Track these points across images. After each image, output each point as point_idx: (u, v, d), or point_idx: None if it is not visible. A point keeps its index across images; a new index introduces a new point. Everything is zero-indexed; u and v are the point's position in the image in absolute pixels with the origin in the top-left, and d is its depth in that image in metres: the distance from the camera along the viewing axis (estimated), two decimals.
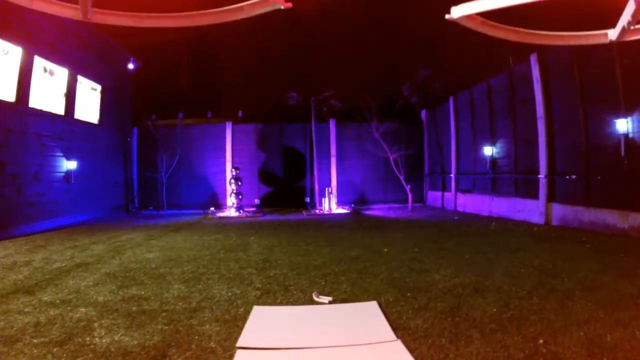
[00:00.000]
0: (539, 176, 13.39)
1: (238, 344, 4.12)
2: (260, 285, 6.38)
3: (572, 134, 12.41)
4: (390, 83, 20.76)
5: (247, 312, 5.09)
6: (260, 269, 7.45)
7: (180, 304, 5.52)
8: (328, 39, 19.62)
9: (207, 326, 4.67)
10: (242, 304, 5.45)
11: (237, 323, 4.73)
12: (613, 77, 10.69)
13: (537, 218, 13.44)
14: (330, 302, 5.50)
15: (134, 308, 5.33)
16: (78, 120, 16.80)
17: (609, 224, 10.83)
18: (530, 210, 13.83)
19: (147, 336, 4.38)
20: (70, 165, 15.80)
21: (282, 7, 4.18)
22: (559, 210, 12.80)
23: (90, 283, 6.59)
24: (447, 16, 4.46)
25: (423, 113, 21.72)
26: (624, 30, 4.54)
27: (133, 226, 14.47)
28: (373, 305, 5.27)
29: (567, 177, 12.50)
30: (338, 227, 13.79)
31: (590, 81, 11.70)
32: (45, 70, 14.88)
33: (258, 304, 5.49)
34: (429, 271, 7.07)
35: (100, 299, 5.71)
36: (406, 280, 6.49)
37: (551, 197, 13.14)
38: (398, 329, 4.40)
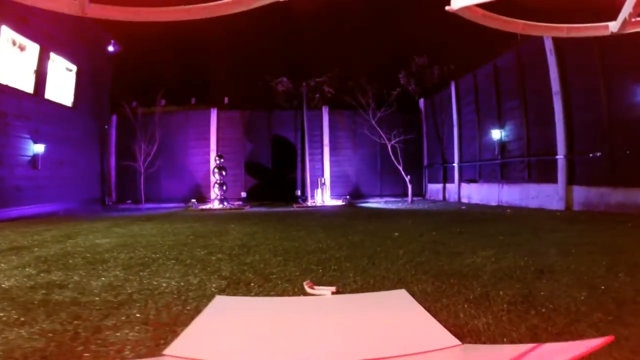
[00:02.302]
0: (557, 157, 11.66)
1: (166, 351, 2.36)
2: (228, 274, 4.36)
3: (592, 108, 10.79)
4: (387, 70, 18.83)
5: (198, 311, 3.10)
6: (234, 255, 5.42)
7: (104, 295, 3.57)
8: (321, 22, 17.75)
9: (125, 330, 2.68)
10: (194, 297, 3.43)
11: (175, 327, 2.74)
12: (637, 45, 9.02)
13: (556, 204, 11.65)
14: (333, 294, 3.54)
15: (38, 297, 3.51)
16: (49, 101, 14.77)
17: None
18: (548, 195, 12.01)
19: (21, 341, 2.51)
20: (38, 148, 13.74)
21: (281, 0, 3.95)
22: (581, 194, 11.07)
23: (11, 267, 4.85)
24: (447, 8, 4.16)
25: (421, 102, 19.86)
26: (625, 22, 4.27)
27: (103, 217, 12.37)
28: (402, 294, 3.48)
29: (591, 155, 10.78)
30: (333, 216, 11.81)
31: (610, 49, 10.01)
32: (14, 44, 12.91)
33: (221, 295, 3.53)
34: (463, 254, 5.21)
35: (6, 284, 4.03)
36: (438, 264, 4.61)
37: (571, 180, 11.42)
38: (460, 333, 2.52)
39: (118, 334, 2.62)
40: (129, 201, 17.92)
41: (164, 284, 3.87)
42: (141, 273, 4.39)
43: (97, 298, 3.46)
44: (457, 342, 2.39)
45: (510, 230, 7.55)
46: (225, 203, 16.12)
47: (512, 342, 2.38)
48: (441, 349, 2.35)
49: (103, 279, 4.17)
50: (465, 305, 3.08)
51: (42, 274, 4.40)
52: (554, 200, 11.81)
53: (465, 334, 2.52)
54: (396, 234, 7.26)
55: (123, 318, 2.92)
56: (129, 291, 3.66)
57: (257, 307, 3.27)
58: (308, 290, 3.61)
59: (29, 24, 13.27)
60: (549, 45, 11.91)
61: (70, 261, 5.15)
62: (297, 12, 17.53)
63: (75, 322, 2.86)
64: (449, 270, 4.29)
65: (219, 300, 3.37)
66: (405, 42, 19.15)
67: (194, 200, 16.63)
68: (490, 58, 14.86)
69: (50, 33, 14.42)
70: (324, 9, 17.82)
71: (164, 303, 3.27)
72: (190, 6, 4.76)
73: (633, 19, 4.67)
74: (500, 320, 2.74)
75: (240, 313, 3.12)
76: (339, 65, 18.54)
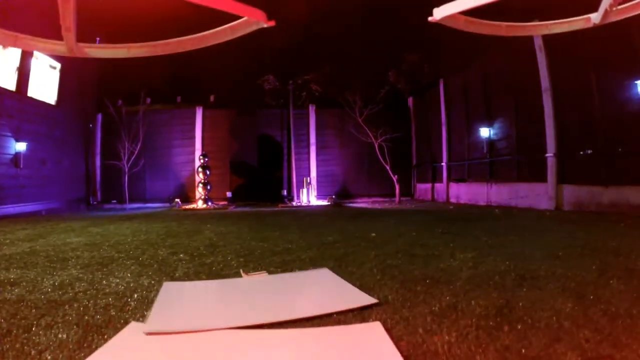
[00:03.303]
0: (547, 155, 11.62)
1: (146, 329, 2.78)
2: (181, 274, 4.39)
3: (583, 105, 10.73)
4: (376, 68, 18.76)
5: (135, 314, 3.13)
6: (196, 256, 5.42)
7: (51, 294, 3.62)
8: (308, 20, 17.73)
9: (55, 331, 2.71)
10: (136, 300, 3.43)
11: (105, 330, 2.75)
12: (629, 38, 9.09)
13: (545, 203, 11.64)
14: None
15: None
16: (32, 99, 14.72)
17: (634, 203, 9.08)
18: (537, 195, 12.02)
19: None
20: (20, 147, 13.73)
21: (266, 26, 4.10)
22: (571, 193, 11.05)
23: None
24: (429, 19, 4.23)
25: (410, 100, 19.89)
26: (606, 13, 4.33)
27: (84, 217, 12.37)
28: (325, 272, 4.37)
29: (582, 152, 10.75)
30: (315, 215, 11.84)
31: (600, 45, 9.97)
32: None
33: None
34: (440, 257, 5.03)
35: None
36: (409, 269, 4.40)
37: (562, 179, 11.36)
38: (413, 354, 2.26)
39: (47, 334, 2.64)
40: (114, 201, 17.90)
41: (113, 285, 3.89)
42: (96, 272, 4.41)
43: (42, 297, 3.49)
44: (373, 300, 3.24)
45: (496, 230, 7.37)
46: (210, 203, 16.13)
47: None
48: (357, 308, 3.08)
49: (57, 277, 4.20)
50: (428, 319, 2.78)
51: (0, 271, 4.46)
52: (543, 199, 11.79)
53: (418, 355, 2.23)
54: (373, 234, 7.25)
55: (59, 318, 2.94)
56: (76, 290, 3.68)
57: (203, 288, 3.92)
58: (244, 275, 4.25)
59: (11, 20, 13.19)
60: (538, 42, 11.87)
61: (33, 260, 5.18)
62: (284, 10, 17.57)
63: (12, 320, 2.90)
64: (420, 276, 4.03)
65: (169, 286, 3.86)
66: (395, 40, 19.13)
67: (177, 200, 16.63)
68: (480, 56, 14.88)
69: (33, 30, 14.36)
70: (311, 7, 17.86)
71: (104, 304, 3.27)
72: (179, 39, 4.90)
73: (614, 9, 4.65)
74: (465, 339, 2.41)
75: (190, 293, 3.76)
76: (327, 63, 18.50)
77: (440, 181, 17.20)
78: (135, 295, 3.55)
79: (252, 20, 4.37)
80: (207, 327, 2.81)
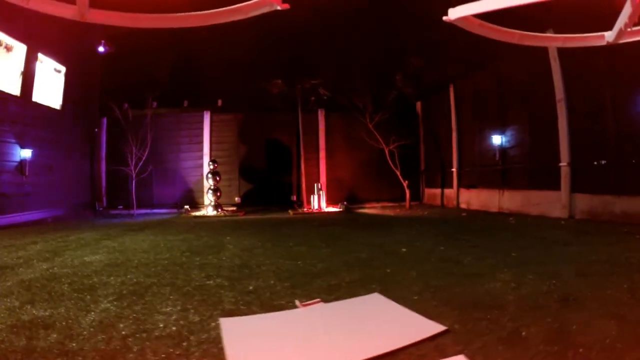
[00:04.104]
0: (561, 164, 11.37)
1: None
2: (232, 307, 3.97)
3: (598, 115, 10.50)
4: (383, 72, 18.33)
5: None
6: (235, 280, 5.01)
7: (94, 340, 3.13)
8: (315, 22, 17.27)
9: None
10: (197, 343, 3.04)
11: None
12: None
13: (558, 212, 11.38)
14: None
15: (21, 344, 3.02)
16: (36, 104, 14.15)
17: None
18: (550, 203, 11.74)
19: None
20: (25, 154, 13.17)
21: (279, 8, 4.01)
22: (584, 202, 10.81)
23: None
24: (444, 18, 4.23)
25: (418, 105, 19.52)
26: (621, 32, 4.34)
27: (93, 226, 11.86)
28: (378, 298, 4.15)
29: (596, 162, 10.50)
30: (332, 225, 11.43)
31: (617, 56, 9.63)
32: (0, 44, 12.38)
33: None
34: (481, 276, 4.88)
35: None
36: (456, 292, 4.26)
37: (575, 188, 11.13)
38: None
39: None
40: (120, 207, 17.35)
41: (161, 324, 3.45)
42: (134, 306, 3.97)
43: (87, 345, 3.04)
44: (443, 327, 3.16)
45: (521, 243, 7.24)
46: (219, 210, 15.66)
47: None
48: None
49: (93, 314, 3.75)
50: (500, 347, 2.77)
51: (25, 308, 3.95)
52: (556, 207, 11.53)
53: None
54: (404, 249, 6.91)
55: None
56: (123, 334, 3.25)
57: (265, 324, 3.55)
58: (299, 306, 3.93)
59: (16, 23, 12.67)
60: (552, 53, 11.60)
61: (56, 288, 4.70)
62: (291, 13, 17.06)
63: None
64: (471, 300, 3.93)
65: (228, 324, 3.45)
66: (403, 44, 18.70)
67: (187, 207, 16.14)
68: (492, 61, 14.50)
69: (38, 33, 13.80)
70: (319, 11, 17.36)
71: (165, 352, 2.87)
72: (189, 13, 4.64)
73: (629, 29, 4.63)
74: None
75: (255, 331, 3.37)
76: (335, 67, 18.06)
77: (450, 187, 16.86)
78: (193, 338, 3.12)
79: (267, 1, 4.26)
80: None
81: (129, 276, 5.28)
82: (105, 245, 8.00)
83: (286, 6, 4.20)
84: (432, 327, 3.21)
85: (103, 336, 3.20)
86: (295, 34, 16.19)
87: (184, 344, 3.02)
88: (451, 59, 16.78)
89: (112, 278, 5.17)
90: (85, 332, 3.28)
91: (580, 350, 2.68)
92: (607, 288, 4.12)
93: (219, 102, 18.45)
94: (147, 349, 2.95)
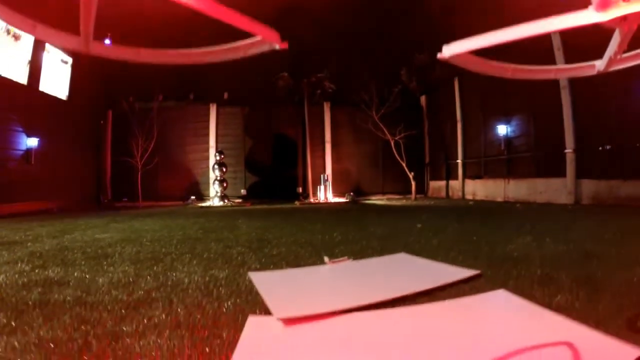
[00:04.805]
0: (566, 151, 11.22)
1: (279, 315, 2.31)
2: (257, 265, 3.72)
3: (601, 100, 10.38)
4: (388, 66, 18.07)
5: (238, 311, 2.44)
6: (256, 249, 4.72)
7: (115, 293, 2.86)
8: (322, 17, 17.04)
9: (153, 337, 2.00)
10: (228, 294, 2.76)
11: (218, 331, 2.07)
12: None
13: (564, 198, 11.27)
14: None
15: (33, 297, 2.78)
16: (43, 93, 13.95)
17: None
18: (556, 190, 11.58)
19: (13, 354, 1.84)
20: (31, 142, 12.90)
21: (278, 48, 3.52)
22: (590, 188, 10.72)
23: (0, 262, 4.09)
24: (438, 55, 3.68)
25: (423, 99, 19.27)
26: (611, 61, 3.81)
27: (100, 215, 11.54)
28: (407, 257, 4.00)
29: (600, 148, 10.37)
30: (341, 211, 11.16)
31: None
32: (8, 32, 12.11)
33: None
34: (501, 242, 4.75)
35: None
36: (482, 251, 4.20)
37: (580, 174, 11.03)
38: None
39: (142, 342, 1.94)
40: (125, 199, 17.03)
41: (186, 280, 3.18)
42: (154, 268, 3.70)
43: (106, 297, 2.77)
44: (476, 271, 3.15)
45: (533, 220, 7.18)
46: (226, 200, 15.36)
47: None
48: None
49: (110, 274, 3.47)
50: (535, 286, 2.79)
51: (37, 270, 3.67)
52: (562, 194, 11.40)
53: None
54: (419, 225, 6.65)
55: (145, 321, 2.24)
56: (145, 288, 2.97)
57: (295, 276, 3.35)
58: (328, 262, 3.71)
59: (25, 12, 12.42)
60: (556, 43, 11.43)
61: (69, 256, 4.43)
62: (297, 7, 16.90)
63: (82, 327, 2.17)
64: (498, 256, 3.89)
65: (258, 276, 3.22)
66: (407, 38, 18.46)
67: (193, 197, 15.83)
68: (495, 53, 14.25)
69: (47, 24, 13.55)
70: (326, 5, 17.16)
71: (193, 301, 2.59)
72: (191, 50, 4.57)
73: (618, 57, 4.67)
74: (577, 298, 2.49)
75: (286, 281, 3.16)
76: (341, 61, 17.81)
77: (456, 178, 16.61)
78: (222, 289, 2.84)
79: (266, 41, 4.10)
80: (334, 308, 2.40)
81: (143, 247, 5.00)
82: (113, 227, 7.71)
83: (285, 46, 4.10)
84: (465, 272, 3.16)
85: (125, 290, 2.93)
86: (302, 27, 15.95)
87: (214, 294, 2.75)
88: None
89: (127, 248, 4.89)
90: (103, 288, 3.02)
91: (610, 288, 2.69)
92: (622, 248, 4.15)
93: (225, 95, 18.17)
94: (173, 297, 2.68)
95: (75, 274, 3.53)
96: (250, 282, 3.06)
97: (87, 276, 3.44)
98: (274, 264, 3.75)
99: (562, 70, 5.64)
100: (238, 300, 2.60)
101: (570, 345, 1.83)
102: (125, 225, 7.90)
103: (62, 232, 6.79)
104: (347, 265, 3.66)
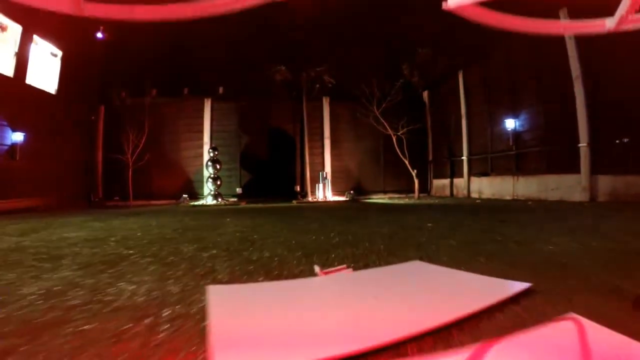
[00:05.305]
0: (580, 145, 10.45)
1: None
2: (226, 276, 2.88)
3: (617, 91, 9.59)
4: (389, 62, 17.27)
5: (173, 349, 1.67)
6: (233, 251, 3.93)
7: (30, 309, 2.14)
8: (321, 8, 16.26)
9: None
10: (167, 321, 1.97)
11: None
12: None
13: (579, 195, 10.46)
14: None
15: None
16: (30, 87, 13.20)
17: None
18: (569, 187, 10.78)
19: None
20: (17, 137, 12.19)
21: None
22: (606, 184, 9.93)
23: None
24: (443, 6, 3.66)
25: (425, 94, 18.46)
26: (622, 19, 3.85)
27: (86, 213, 10.77)
28: (422, 265, 3.02)
29: (618, 141, 9.61)
30: (342, 210, 10.37)
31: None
32: None
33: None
34: (531, 242, 4.02)
35: None
36: (514, 255, 3.37)
37: (595, 169, 10.22)
38: None
39: None
40: (117, 198, 16.26)
41: (127, 293, 2.40)
42: (100, 275, 2.93)
43: (15, 314, 2.02)
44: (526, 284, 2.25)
45: (553, 218, 6.41)
46: (220, 199, 14.60)
47: None
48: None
49: (43, 282, 2.74)
50: (613, 302, 2.02)
51: None
52: (576, 191, 10.60)
53: None
54: (430, 224, 5.87)
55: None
56: (69, 304, 2.21)
57: (272, 293, 2.39)
58: (319, 272, 2.79)
59: (12, 2, 11.70)
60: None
61: (17, 257, 3.77)
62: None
63: None
64: (540, 261, 3.09)
65: (218, 292, 2.34)
66: (408, 33, 17.68)
67: (185, 196, 15.07)
68: (501, 44, 13.49)
69: (35, 14, 12.82)
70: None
71: (114, 330, 1.81)
72: (186, 3, 4.03)
73: (630, 16, 4.13)
74: None
75: (257, 302, 2.20)
76: (340, 55, 17.02)
77: (460, 176, 15.80)
78: (165, 312, 2.06)
79: None
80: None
81: (105, 248, 4.24)
82: (91, 225, 6.96)
83: None
84: (511, 286, 2.27)
85: (45, 305, 2.17)
86: (301, 19, 15.20)
87: (149, 319, 1.96)
88: (459, 46, 15.79)
89: (85, 249, 4.16)
90: (21, 301, 2.26)
91: None
92: None
93: (220, 90, 17.35)
94: (92, 321, 1.91)
95: (8, 277, 2.89)
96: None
97: (17, 283, 2.71)
98: (249, 275, 2.94)
99: (570, 26, 5.33)
100: (177, 333, 1.80)
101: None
102: (103, 224, 7.13)
103: (31, 230, 6.14)
104: (345, 278, 2.72)
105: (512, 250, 3.57)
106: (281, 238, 4.76)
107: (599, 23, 4.62)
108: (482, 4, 4.23)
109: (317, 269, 2.86)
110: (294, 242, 4.44)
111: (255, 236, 5.00)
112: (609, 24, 4.45)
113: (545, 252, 3.46)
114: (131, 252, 3.95)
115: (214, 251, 3.90)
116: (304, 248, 4.00)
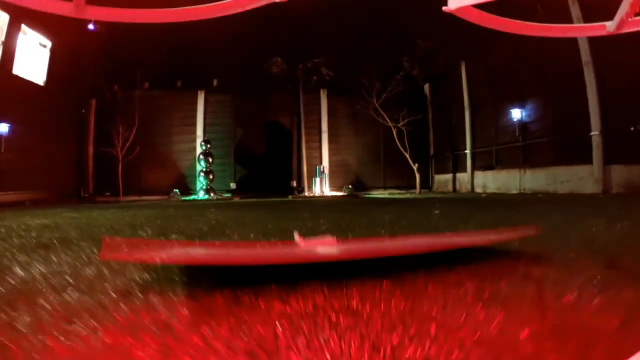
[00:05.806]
0: (592, 134, 9.82)
1: None
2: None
3: (631, 75, 8.93)
4: (390, 55, 16.60)
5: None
6: (198, 237, 3.27)
7: None
8: (320, 3, 15.62)
9: None
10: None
11: None
12: None
13: (591, 187, 9.86)
14: None
15: None
16: (17, 77, 12.67)
17: None
18: (580, 178, 10.16)
19: None
20: (2, 128, 11.69)
21: (279, 0, 2.61)
22: (621, 174, 9.31)
23: None
24: (444, 8, 2.77)
25: (426, 87, 17.80)
26: (622, 22, 2.92)
27: (72, 208, 10.10)
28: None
29: (633, 128, 8.99)
30: (340, 203, 9.69)
31: None
32: None
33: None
34: (558, 228, 3.41)
35: None
36: (551, 238, 2.71)
37: (608, 159, 9.60)
38: None
39: None
40: (108, 193, 15.61)
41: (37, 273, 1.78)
42: (19, 256, 2.30)
43: None
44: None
45: (570, 208, 5.71)
46: (212, 194, 13.97)
47: None
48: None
49: None
50: None
51: None
52: (588, 182, 9.99)
53: None
54: (437, 211, 5.25)
55: None
56: None
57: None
58: (298, 240, 2.28)
59: None
60: (576, 14, 10.09)
61: None
62: None
63: None
64: (572, 244, 2.51)
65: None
66: (408, 26, 17.02)
67: (176, 190, 14.44)
68: (504, 34, 12.84)
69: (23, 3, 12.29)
70: None
71: None
72: (188, 7, 3.54)
73: (630, 19, 3.64)
74: None
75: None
76: (340, 46, 16.36)
77: (463, 170, 15.14)
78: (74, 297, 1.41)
79: None
80: None
81: (54, 233, 3.61)
82: (64, 215, 6.34)
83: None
84: (517, 230, 2.43)
85: None
86: (298, 11, 14.56)
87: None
88: (462, 37, 15.13)
89: (33, 233, 3.53)
90: None
91: None
92: None
93: (215, 82, 16.71)
94: None
95: None
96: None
97: None
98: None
99: (570, 29, 4.69)
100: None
101: None
102: (78, 214, 6.51)
103: None
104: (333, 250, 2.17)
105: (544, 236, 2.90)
106: (259, 225, 4.12)
107: (599, 26, 4.48)
108: (483, 6, 3.99)
109: (296, 234, 2.35)
110: (272, 227, 3.81)
111: (232, 224, 4.37)
112: (609, 27, 4.32)
113: (587, 237, 2.84)
114: (79, 235, 3.34)
115: (174, 236, 3.27)
116: (283, 233, 3.36)
